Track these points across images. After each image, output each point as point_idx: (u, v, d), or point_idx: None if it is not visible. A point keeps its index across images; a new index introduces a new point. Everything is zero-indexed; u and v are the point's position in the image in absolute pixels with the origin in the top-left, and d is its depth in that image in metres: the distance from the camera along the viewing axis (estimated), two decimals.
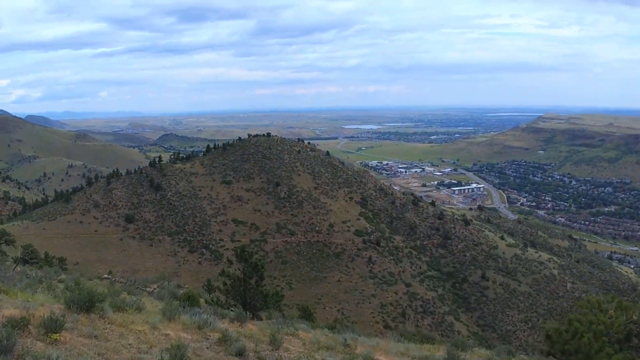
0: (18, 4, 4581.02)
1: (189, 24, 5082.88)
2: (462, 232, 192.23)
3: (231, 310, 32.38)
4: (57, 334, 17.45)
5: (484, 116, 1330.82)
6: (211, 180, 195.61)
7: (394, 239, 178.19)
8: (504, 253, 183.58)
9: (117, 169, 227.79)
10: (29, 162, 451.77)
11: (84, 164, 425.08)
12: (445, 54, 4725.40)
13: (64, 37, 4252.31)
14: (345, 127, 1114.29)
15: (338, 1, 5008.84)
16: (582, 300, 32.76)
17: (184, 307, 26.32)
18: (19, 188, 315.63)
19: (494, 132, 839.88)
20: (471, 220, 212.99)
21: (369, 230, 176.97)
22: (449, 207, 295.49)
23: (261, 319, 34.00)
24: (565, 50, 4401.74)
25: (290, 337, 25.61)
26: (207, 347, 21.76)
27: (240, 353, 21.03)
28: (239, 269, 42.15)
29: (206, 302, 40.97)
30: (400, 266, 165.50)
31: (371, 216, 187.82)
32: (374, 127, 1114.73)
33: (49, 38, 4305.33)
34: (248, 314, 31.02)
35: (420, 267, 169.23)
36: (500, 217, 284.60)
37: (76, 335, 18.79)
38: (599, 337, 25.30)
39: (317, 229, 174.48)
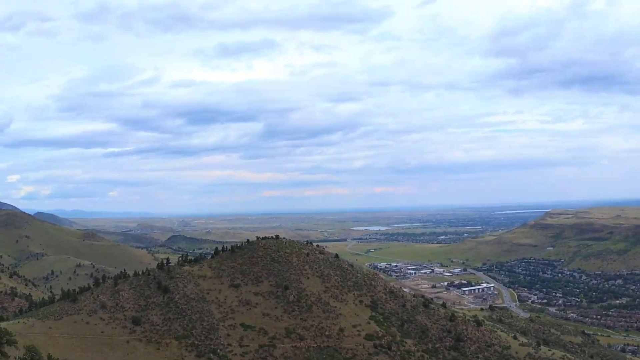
0: (30, 101, 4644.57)
1: (198, 126, 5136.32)
2: (475, 334, 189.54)
3: None
4: None
5: (492, 214, 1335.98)
6: (219, 284, 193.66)
7: (406, 342, 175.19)
8: (517, 353, 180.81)
9: (124, 269, 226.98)
10: (37, 259, 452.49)
11: (92, 263, 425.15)
12: (451, 154, 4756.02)
13: (74, 136, 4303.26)
14: (354, 228, 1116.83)
15: (344, 103, 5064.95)
16: None
17: None
18: (26, 285, 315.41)
19: (502, 230, 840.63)
20: (483, 321, 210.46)
21: (379, 334, 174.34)
22: (460, 308, 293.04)
23: None
24: (570, 144, 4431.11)
25: None
26: None
27: None
28: None
29: None
30: None
31: (382, 319, 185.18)
32: (382, 228, 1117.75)
33: (60, 136, 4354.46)
34: None
35: None
36: (511, 316, 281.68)
37: None
38: None
39: (327, 333, 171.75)
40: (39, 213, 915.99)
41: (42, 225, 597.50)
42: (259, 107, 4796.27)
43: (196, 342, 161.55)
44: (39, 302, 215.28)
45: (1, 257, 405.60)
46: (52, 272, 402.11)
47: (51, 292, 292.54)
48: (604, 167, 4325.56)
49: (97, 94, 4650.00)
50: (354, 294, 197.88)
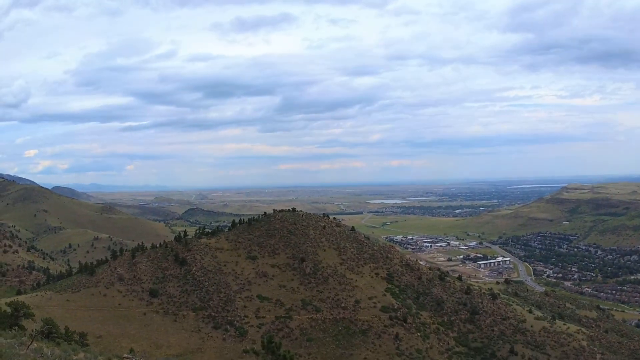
0: (47, 76, 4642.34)
1: (215, 99, 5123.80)
2: (490, 307, 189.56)
3: None
4: None
5: (508, 188, 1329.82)
6: (236, 256, 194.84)
7: (421, 315, 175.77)
8: (532, 326, 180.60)
9: (142, 242, 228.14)
10: (55, 232, 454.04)
11: (109, 236, 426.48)
12: (468, 128, 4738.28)
13: (91, 110, 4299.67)
14: (370, 201, 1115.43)
15: (362, 77, 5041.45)
16: None
17: None
18: (44, 258, 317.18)
19: (518, 204, 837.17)
20: (498, 294, 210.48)
21: (395, 307, 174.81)
22: (476, 281, 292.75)
23: None
24: (587, 119, 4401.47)
25: None
26: None
27: None
28: None
29: None
30: (428, 342, 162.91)
31: (397, 292, 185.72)
32: (399, 201, 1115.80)
33: (77, 110, 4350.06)
34: None
35: (448, 343, 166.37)
36: (527, 290, 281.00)
37: None
38: None
39: (342, 305, 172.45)
40: (56, 187, 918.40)
41: (60, 199, 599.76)
42: (275, 80, 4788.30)
43: (213, 314, 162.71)
44: (56, 275, 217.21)
45: (19, 231, 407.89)
46: (70, 246, 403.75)
47: (69, 265, 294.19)
48: (620, 143, 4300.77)
49: (114, 68, 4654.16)
50: (370, 267, 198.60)
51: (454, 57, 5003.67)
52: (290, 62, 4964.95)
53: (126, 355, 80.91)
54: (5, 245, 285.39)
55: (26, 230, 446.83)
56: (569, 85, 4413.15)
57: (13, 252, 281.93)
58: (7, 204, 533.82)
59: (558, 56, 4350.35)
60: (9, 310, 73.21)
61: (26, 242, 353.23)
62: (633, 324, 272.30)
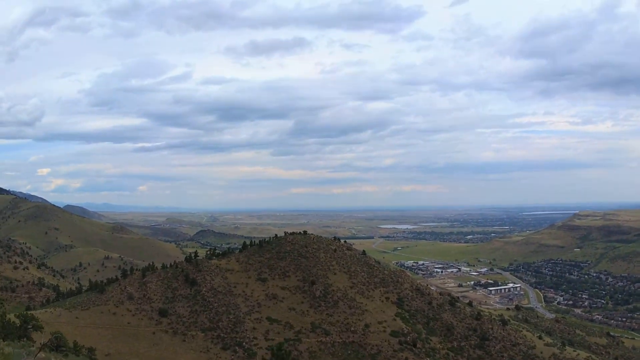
0: (62, 95, 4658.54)
1: (229, 122, 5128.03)
2: (500, 333, 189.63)
3: None
4: None
5: (520, 215, 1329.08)
6: (246, 277, 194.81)
7: (431, 340, 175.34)
8: (542, 353, 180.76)
9: (152, 262, 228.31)
10: (66, 250, 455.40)
11: (120, 256, 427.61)
12: (481, 154, 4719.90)
13: (105, 130, 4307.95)
14: (381, 226, 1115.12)
15: (374, 102, 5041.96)
16: None
17: None
18: (54, 275, 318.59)
19: (529, 230, 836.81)
20: (508, 321, 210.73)
21: (405, 331, 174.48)
22: (486, 307, 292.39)
23: None
24: (599, 146, 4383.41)
25: None
26: None
27: None
28: None
29: None
30: None
31: (407, 317, 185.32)
32: (410, 226, 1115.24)
33: (91, 130, 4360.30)
34: None
35: None
36: (537, 316, 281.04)
37: None
38: None
39: (352, 329, 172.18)
40: (68, 206, 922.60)
41: (71, 217, 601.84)
42: (289, 104, 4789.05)
43: (222, 335, 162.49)
44: (66, 293, 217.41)
45: (30, 249, 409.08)
46: (80, 264, 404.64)
47: (79, 283, 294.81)
48: (632, 170, 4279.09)
49: (128, 89, 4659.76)
50: (380, 291, 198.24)
51: (466, 83, 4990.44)
52: (304, 87, 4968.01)
53: None
54: (15, 262, 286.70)
55: (37, 247, 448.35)
56: (582, 111, 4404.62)
57: (23, 269, 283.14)
58: (19, 221, 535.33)
59: (571, 82, 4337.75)
60: (17, 321, 73.31)
61: (37, 260, 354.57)
62: None
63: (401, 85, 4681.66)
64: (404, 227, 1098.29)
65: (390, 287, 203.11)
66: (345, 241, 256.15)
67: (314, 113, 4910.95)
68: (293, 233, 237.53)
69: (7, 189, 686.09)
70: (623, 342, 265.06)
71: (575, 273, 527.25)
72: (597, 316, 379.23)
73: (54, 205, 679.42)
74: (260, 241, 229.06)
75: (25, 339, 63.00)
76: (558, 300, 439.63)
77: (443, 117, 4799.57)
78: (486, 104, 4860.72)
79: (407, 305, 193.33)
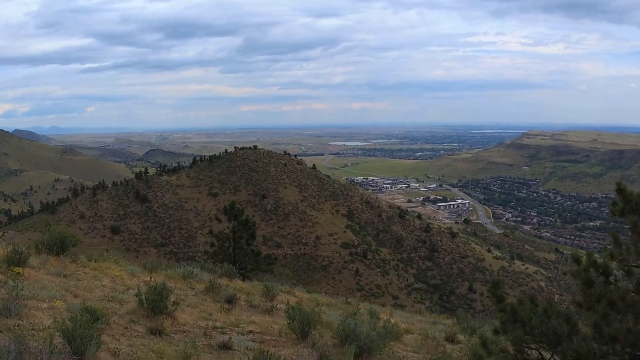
0: (8, 18, 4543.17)
1: (177, 40, 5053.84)
2: (449, 245, 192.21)
3: (219, 265, 31.12)
4: (20, 268, 17.01)
5: (469, 133, 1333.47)
6: (197, 193, 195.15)
7: (381, 251, 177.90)
8: (490, 265, 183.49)
9: (103, 180, 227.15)
10: (16, 175, 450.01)
11: (70, 178, 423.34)
12: (431, 72, 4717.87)
13: (52, 52, 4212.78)
14: (331, 143, 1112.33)
15: (326, 18, 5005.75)
16: None
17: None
18: (5, 200, 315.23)
19: (478, 148, 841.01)
20: (457, 233, 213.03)
21: (355, 243, 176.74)
22: (435, 222, 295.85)
23: (251, 280, 32.59)
24: (551, 67, 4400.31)
25: (285, 294, 24.89)
26: (193, 295, 20.99)
27: (230, 300, 20.21)
28: (228, 228, 40.96)
29: None
30: (387, 278, 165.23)
31: (358, 229, 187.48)
32: (360, 143, 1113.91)
33: (38, 53, 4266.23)
34: (237, 271, 30.11)
35: (408, 280, 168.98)
36: (486, 230, 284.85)
37: (43, 273, 18.25)
38: None
39: (303, 241, 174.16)
40: (17, 130, 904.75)
41: (20, 142, 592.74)
42: (238, 21, 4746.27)
43: (174, 250, 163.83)
44: (18, 216, 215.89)
45: None
46: (31, 188, 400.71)
47: (30, 206, 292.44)
48: (583, 92, 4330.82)
49: (75, 9, 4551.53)
50: (330, 204, 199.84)
51: (418, 1, 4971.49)
52: (253, 2, 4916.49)
53: None
54: None
55: None
56: (533, 32, 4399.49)
57: None
58: None
59: (523, 3, 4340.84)
60: None
61: None
62: None
63: (353, 2, 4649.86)
64: (353, 144, 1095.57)
65: (341, 200, 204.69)
66: (295, 156, 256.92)
67: (264, 30, 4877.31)
68: (243, 148, 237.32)
69: None
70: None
71: (524, 191, 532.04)
72: (546, 233, 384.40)
73: (2, 130, 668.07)
74: (210, 156, 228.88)
75: None
76: (507, 216, 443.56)
77: (394, 34, 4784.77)
78: (438, 22, 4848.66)
79: (357, 217, 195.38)
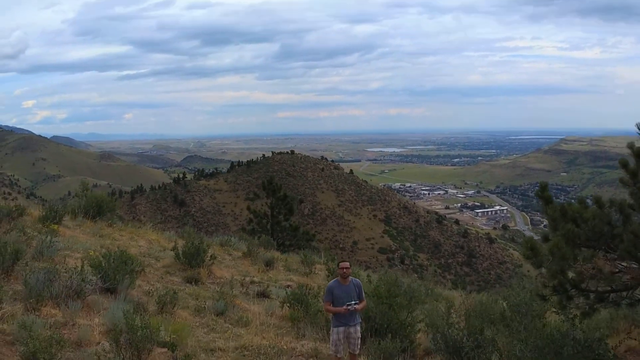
0: (45, 26, 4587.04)
1: (213, 47, 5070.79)
2: (487, 251, 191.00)
3: (257, 237, 30.94)
4: (56, 225, 17.04)
5: (507, 139, 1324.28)
6: (235, 197, 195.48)
7: (419, 256, 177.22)
8: (528, 271, 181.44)
9: (141, 184, 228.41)
10: (54, 180, 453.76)
11: (108, 183, 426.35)
12: (468, 77, 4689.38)
13: (89, 59, 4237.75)
14: (368, 149, 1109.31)
15: (361, 24, 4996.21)
16: None
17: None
18: (43, 205, 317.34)
19: (516, 154, 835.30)
20: (496, 239, 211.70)
21: (393, 248, 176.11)
22: (473, 228, 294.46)
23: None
24: (587, 72, 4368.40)
25: (323, 266, 24.90)
26: (231, 260, 21.00)
27: (268, 263, 20.29)
28: (266, 204, 40.53)
29: None
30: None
31: (395, 234, 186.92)
32: (397, 149, 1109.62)
33: (75, 60, 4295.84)
34: (275, 243, 29.86)
35: (445, 285, 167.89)
36: (524, 237, 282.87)
37: (79, 232, 18.31)
38: None
39: (340, 246, 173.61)
40: (55, 137, 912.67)
41: (58, 147, 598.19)
42: (274, 27, 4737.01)
43: None
44: None
45: (18, 180, 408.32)
46: (69, 193, 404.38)
47: None
48: (619, 97, 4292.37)
49: (112, 17, 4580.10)
50: (368, 209, 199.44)
51: (454, 6, 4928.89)
52: (289, 9, 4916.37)
53: None
54: (4, 193, 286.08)
55: (25, 179, 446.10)
56: (570, 37, 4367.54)
57: (12, 199, 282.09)
58: (6, 154, 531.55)
59: (559, 7, 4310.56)
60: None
61: (25, 190, 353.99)
62: None
63: (388, 8, 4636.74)
64: (390, 150, 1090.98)
65: (378, 205, 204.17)
66: (332, 161, 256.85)
67: (300, 36, 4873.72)
68: (280, 153, 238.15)
69: None
70: None
71: (562, 197, 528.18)
72: None
73: (40, 136, 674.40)
74: (247, 161, 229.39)
75: None
76: (545, 223, 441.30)
77: (430, 40, 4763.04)
78: (474, 27, 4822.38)
79: (394, 222, 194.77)
